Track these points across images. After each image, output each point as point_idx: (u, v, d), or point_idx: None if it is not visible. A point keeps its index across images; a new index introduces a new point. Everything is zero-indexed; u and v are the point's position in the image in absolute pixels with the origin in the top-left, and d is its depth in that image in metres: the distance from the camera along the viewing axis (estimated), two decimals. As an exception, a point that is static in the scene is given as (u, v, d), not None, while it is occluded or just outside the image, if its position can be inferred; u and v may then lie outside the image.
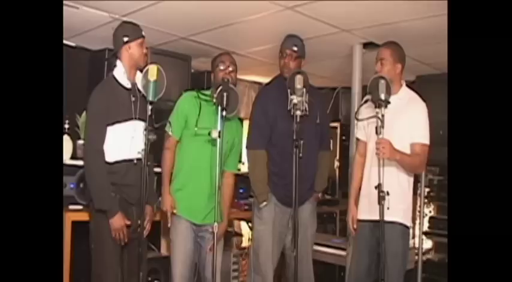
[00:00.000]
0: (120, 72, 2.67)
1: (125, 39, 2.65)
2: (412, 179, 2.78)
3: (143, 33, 2.72)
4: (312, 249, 3.13)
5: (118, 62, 2.69)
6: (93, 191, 2.60)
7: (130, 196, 2.63)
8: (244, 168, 3.78)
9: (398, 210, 2.60)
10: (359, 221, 2.83)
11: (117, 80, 2.67)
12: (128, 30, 2.70)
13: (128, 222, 2.61)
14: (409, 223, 2.76)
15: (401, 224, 2.68)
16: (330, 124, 3.43)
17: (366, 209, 2.79)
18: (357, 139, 2.99)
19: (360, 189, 2.87)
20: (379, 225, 2.66)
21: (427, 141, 2.70)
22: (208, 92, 2.92)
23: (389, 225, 2.54)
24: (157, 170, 2.99)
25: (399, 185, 2.64)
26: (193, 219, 2.85)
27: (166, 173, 2.92)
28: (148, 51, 2.79)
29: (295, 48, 3.00)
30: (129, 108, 2.64)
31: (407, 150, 2.66)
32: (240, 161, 3.09)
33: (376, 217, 2.64)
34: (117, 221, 2.57)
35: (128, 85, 2.67)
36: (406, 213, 2.73)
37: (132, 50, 2.67)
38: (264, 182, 2.98)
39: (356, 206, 2.87)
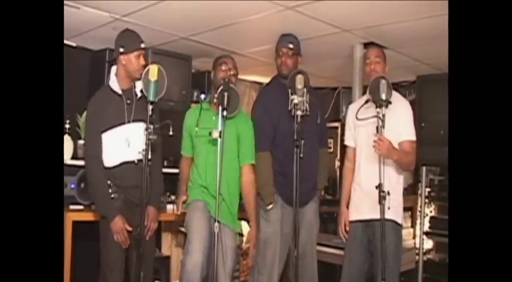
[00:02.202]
0: (112, 81, 2.73)
1: (121, 50, 2.66)
2: (402, 177, 2.85)
3: (142, 45, 2.67)
4: (315, 248, 3.13)
5: (113, 69, 2.74)
6: (93, 197, 2.77)
7: (136, 197, 2.63)
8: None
9: (390, 207, 2.62)
10: (350, 222, 2.89)
11: (110, 87, 2.72)
12: (126, 41, 2.68)
13: (129, 228, 2.64)
14: (400, 220, 2.81)
15: (392, 221, 2.73)
16: (330, 124, 3.44)
17: (356, 210, 2.86)
18: (346, 146, 3.04)
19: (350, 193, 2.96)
20: (370, 224, 2.78)
21: (414, 137, 2.81)
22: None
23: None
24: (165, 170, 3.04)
25: (389, 183, 2.65)
26: (208, 207, 2.79)
27: (182, 182, 3.05)
28: (146, 60, 2.75)
29: (290, 46, 3.01)
30: (121, 113, 2.68)
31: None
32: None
33: (367, 216, 2.77)
34: (117, 225, 2.62)
35: (120, 91, 2.70)
36: (397, 210, 2.78)
37: (127, 62, 2.67)
38: (270, 184, 2.97)
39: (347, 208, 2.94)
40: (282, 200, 2.96)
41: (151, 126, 2.46)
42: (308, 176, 2.93)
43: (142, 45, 2.68)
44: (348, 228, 2.90)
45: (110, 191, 2.68)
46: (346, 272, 2.89)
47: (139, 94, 2.70)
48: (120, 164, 2.67)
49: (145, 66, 2.64)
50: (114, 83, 2.72)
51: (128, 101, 2.69)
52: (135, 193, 2.64)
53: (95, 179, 2.68)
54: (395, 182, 2.79)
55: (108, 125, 2.67)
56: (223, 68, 2.89)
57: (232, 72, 2.89)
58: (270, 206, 2.95)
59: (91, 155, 2.68)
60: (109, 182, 2.68)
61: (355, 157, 2.93)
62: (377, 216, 2.54)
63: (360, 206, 2.83)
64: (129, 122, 2.67)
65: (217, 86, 2.78)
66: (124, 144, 2.66)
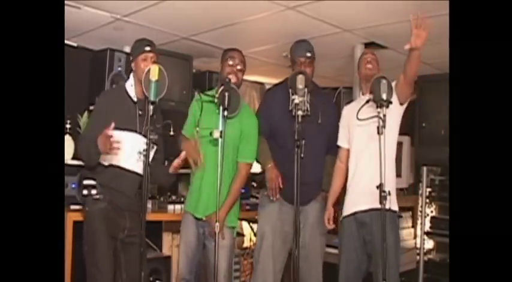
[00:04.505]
0: (129, 85, 2.73)
1: (131, 57, 2.73)
2: (394, 165, 2.86)
3: (147, 48, 2.66)
4: (323, 249, 3.09)
5: (131, 75, 2.76)
6: (83, 156, 2.70)
7: (121, 202, 2.64)
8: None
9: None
10: (345, 217, 2.89)
11: (126, 91, 2.71)
12: (133, 48, 2.72)
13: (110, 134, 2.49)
14: (396, 208, 2.81)
15: (389, 209, 2.69)
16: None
17: (351, 204, 2.87)
18: (338, 146, 3.03)
19: (339, 194, 2.99)
20: (364, 223, 2.79)
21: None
22: (211, 93, 2.89)
23: (378, 212, 2.56)
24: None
25: (386, 180, 2.61)
26: (195, 213, 2.80)
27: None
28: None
29: (308, 54, 2.99)
30: (133, 120, 2.66)
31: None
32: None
33: (362, 207, 2.78)
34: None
35: (135, 98, 2.69)
36: (392, 198, 2.74)
37: (136, 67, 2.68)
38: (267, 152, 2.98)
39: (334, 207, 2.97)
40: (282, 198, 2.95)
41: (152, 126, 2.44)
42: (311, 177, 2.92)
43: (147, 48, 2.66)
44: (331, 222, 2.92)
45: (95, 191, 2.65)
46: (343, 270, 2.89)
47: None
48: (115, 166, 2.64)
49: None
50: (130, 88, 2.71)
51: (140, 112, 2.67)
52: (120, 198, 2.64)
53: (87, 149, 2.58)
54: (391, 172, 2.80)
55: (117, 124, 2.58)
56: (230, 62, 2.86)
57: (238, 68, 2.87)
58: (270, 165, 2.95)
59: (88, 138, 2.56)
60: (94, 182, 2.68)
61: (348, 157, 2.94)
62: (375, 205, 2.54)
63: (357, 198, 2.85)
64: (139, 133, 2.64)
65: (222, 81, 2.77)
66: (127, 150, 2.60)
